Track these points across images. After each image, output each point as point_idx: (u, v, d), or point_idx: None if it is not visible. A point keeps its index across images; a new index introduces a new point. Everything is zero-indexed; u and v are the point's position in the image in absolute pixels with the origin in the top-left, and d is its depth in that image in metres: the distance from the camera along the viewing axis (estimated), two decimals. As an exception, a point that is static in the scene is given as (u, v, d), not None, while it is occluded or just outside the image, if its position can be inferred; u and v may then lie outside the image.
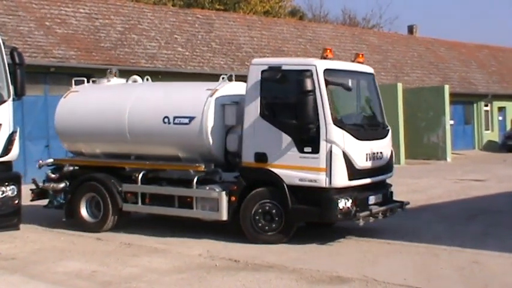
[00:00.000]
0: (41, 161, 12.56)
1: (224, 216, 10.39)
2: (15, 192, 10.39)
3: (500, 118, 38.37)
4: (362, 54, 11.46)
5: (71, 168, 12.08)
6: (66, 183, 11.90)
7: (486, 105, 37.51)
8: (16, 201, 10.42)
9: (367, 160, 10.26)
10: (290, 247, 9.90)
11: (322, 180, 9.78)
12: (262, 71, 10.28)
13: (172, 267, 8.69)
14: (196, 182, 10.63)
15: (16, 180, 10.48)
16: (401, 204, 11.07)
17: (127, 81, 12.84)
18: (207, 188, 10.61)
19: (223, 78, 11.20)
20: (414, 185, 18.28)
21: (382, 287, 7.55)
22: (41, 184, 12.22)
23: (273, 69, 10.22)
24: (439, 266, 8.61)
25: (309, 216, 10.20)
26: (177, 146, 11.02)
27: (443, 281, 7.82)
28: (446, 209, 13.86)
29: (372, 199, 10.44)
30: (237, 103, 10.66)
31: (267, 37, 29.99)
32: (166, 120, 10.97)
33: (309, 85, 9.81)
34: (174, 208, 10.88)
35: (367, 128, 10.85)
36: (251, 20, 30.87)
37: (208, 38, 26.90)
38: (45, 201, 12.27)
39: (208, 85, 11.19)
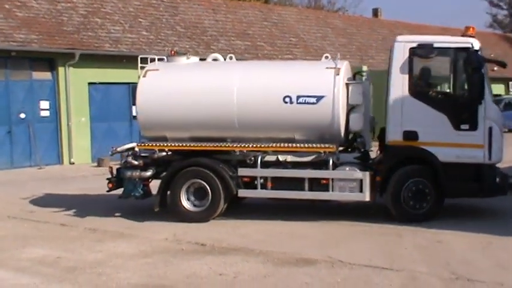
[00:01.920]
0: (113, 148, 11.46)
1: (368, 197, 10.26)
2: None
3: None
4: (473, 27, 10.89)
5: (163, 153, 11.03)
6: (153, 171, 10.98)
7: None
8: None
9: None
10: (256, 230, 9.94)
11: (481, 156, 9.98)
12: (411, 48, 10.26)
13: (138, 252, 8.65)
14: (330, 164, 10.32)
15: None
16: None
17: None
18: (347, 168, 10.36)
19: (326, 57, 10.96)
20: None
21: (347, 268, 7.62)
22: (126, 172, 10.96)
23: (424, 47, 10.22)
24: (403, 246, 8.73)
25: (466, 192, 10.32)
26: (297, 126, 10.52)
27: (407, 261, 7.93)
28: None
29: None
30: (361, 82, 10.74)
31: (232, 20, 29.83)
32: (287, 99, 10.41)
33: (471, 63, 9.98)
34: (304, 191, 10.41)
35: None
36: (216, 3, 30.62)
37: (172, 21, 26.64)
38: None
39: (322, 63, 10.86)
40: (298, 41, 31.82)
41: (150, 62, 11.50)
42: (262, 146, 10.63)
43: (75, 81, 21.07)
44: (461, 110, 10.12)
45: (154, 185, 11.01)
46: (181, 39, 25.67)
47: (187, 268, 7.75)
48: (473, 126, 10.03)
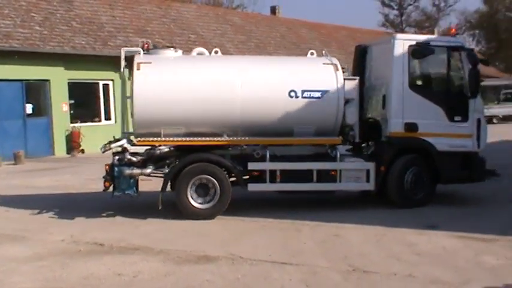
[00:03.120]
0: (106, 145, 10.78)
1: (373, 186, 10.91)
2: None
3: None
4: (454, 28, 12.72)
5: (166, 149, 10.64)
6: (153, 168, 10.58)
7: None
8: None
9: None
10: (157, 228, 9.82)
11: (471, 145, 11.17)
12: (410, 46, 11.04)
13: (32, 255, 8.32)
14: (338, 156, 10.85)
15: None
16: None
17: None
18: (354, 160, 11.06)
19: (312, 53, 11.57)
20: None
21: (248, 264, 7.66)
22: (125, 169, 10.41)
23: (422, 45, 11.08)
24: (302, 240, 8.88)
25: (459, 179, 11.39)
26: (301, 119, 10.74)
27: (306, 255, 8.07)
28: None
29: None
30: (355, 78, 11.24)
31: (130, 16, 29.34)
32: (292, 94, 10.66)
33: (470, 60, 11.08)
34: (312, 183, 10.72)
35: None
36: (113, -1, 30.03)
37: (68, 16, 25.87)
38: None
39: (318, 59, 11.42)
40: (197, 37, 31.72)
41: (126, 53, 10.97)
42: (269, 140, 10.77)
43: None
44: (455, 103, 11.19)
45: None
46: (77, 35, 25.00)
47: (84, 269, 7.54)
48: (465, 118, 11.17)
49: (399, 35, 11.71)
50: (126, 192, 10.53)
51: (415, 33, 67.43)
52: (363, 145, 11.75)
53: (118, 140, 10.94)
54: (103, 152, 11.00)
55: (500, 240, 8.50)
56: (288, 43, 38.08)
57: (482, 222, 9.87)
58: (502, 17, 63.13)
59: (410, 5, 74.94)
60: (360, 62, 11.82)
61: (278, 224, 9.98)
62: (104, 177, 10.72)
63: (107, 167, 10.60)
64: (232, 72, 10.91)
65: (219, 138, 10.59)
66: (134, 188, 10.57)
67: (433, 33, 61.31)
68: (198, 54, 11.64)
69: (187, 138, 10.57)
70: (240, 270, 7.38)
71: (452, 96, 11.25)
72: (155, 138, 10.55)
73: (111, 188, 10.62)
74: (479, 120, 11.24)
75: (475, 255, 7.81)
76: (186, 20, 32.76)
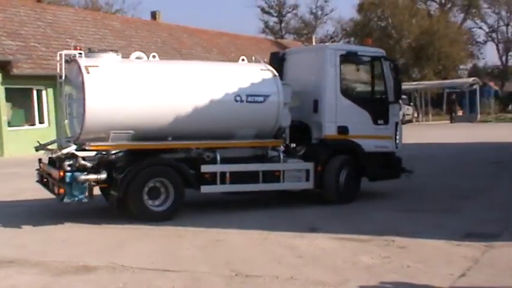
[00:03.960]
0: (57, 150, 10.50)
1: (312, 185, 11.67)
2: None
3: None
4: (370, 40, 14.98)
5: (119, 154, 10.90)
6: (107, 173, 10.31)
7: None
8: None
9: None
10: (34, 239, 9.42)
11: (391, 146, 12.46)
12: (341, 55, 11.98)
13: None
14: (281, 157, 11.52)
15: None
16: None
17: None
18: (295, 160, 11.71)
19: (243, 60, 12.07)
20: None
21: (129, 272, 7.52)
22: (79, 175, 10.03)
23: (351, 54, 12.13)
24: (184, 246, 8.83)
25: (382, 176, 12.60)
26: (243, 122, 11.25)
27: (189, 261, 8.03)
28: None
29: None
30: (289, 84, 11.85)
31: (2, 19, 28.10)
32: (238, 98, 11.11)
33: (384, 69, 12.37)
34: (258, 184, 11.23)
35: None
36: (-17, 0, 28.68)
37: None
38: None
39: (255, 65, 11.97)
40: (75, 42, 30.87)
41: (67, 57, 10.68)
42: (220, 143, 11.16)
43: None
44: (379, 108, 12.40)
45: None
46: None
47: (-46, 286, 7.12)
48: (386, 122, 12.44)
49: (331, 45, 12.90)
50: (78, 199, 10.17)
51: (294, 40, 69.21)
52: (292, 147, 12.31)
53: (45, 144, 11.04)
54: (49, 160, 11.05)
55: (375, 240, 8.84)
56: (170, 49, 37.89)
57: (359, 223, 10.24)
58: (375, 26, 65.86)
59: (289, 12, 76.73)
60: (277, 69, 12.10)
61: (160, 231, 9.87)
62: (55, 183, 10.41)
63: (61, 173, 10.11)
64: (183, 77, 11.25)
65: (173, 142, 10.80)
66: (87, 194, 10.21)
67: (311, 40, 63.17)
68: (136, 58, 11.50)
69: (140, 143, 10.65)
70: (121, 279, 7.22)
71: (377, 102, 12.51)
72: (109, 143, 10.45)
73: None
74: (397, 123, 12.65)
75: (353, 256, 8.07)
76: (62, 24, 31.81)
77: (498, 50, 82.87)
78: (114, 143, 10.47)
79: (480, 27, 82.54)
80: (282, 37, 71.47)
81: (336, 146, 11.98)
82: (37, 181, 11.75)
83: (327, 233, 9.37)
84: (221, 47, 43.42)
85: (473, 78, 52.21)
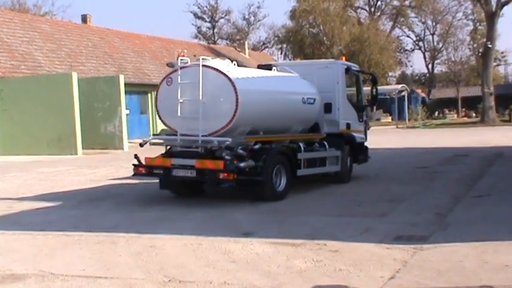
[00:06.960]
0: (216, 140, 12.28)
1: (340, 168, 15.29)
2: None
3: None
4: (345, 56, 20.28)
5: (259, 145, 12.88)
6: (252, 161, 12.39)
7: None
8: None
9: None
10: (-43, 248, 9.10)
11: (364, 138, 16.92)
12: (345, 69, 15.99)
13: None
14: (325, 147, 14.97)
15: None
16: None
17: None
18: (333, 149, 15.03)
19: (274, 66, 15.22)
20: (91, 175, 18.21)
21: (59, 280, 7.34)
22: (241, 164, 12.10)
23: (350, 68, 16.21)
24: (117, 253, 8.68)
25: (362, 161, 16.85)
26: (301, 119, 14.58)
27: (122, 268, 7.90)
28: (123, 197, 14.10)
29: None
30: None
31: None
32: (304, 100, 14.48)
33: (361, 80, 17.09)
34: (317, 167, 14.54)
35: None
36: None
37: None
38: None
39: (297, 75, 15.09)
40: (1, 45, 30.07)
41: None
42: (300, 135, 14.51)
43: None
44: (362, 110, 16.79)
45: None
46: None
47: None
48: (362, 120, 16.80)
49: (339, 61, 16.36)
50: (230, 184, 12.46)
51: (227, 45, 69.46)
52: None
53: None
54: (141, 146, 12.96)
55: (308, 244, 8.92)
56: (101, 53, 37.34)
57: (292, 227, 10.31)
58: (307, 32, 66.73)
59: (222, 18, 76.93)
60: None
61: (93, 237, 9.68)
62: (222, 170, 11.89)
63: (222, 163, 11.98)
64: (281, 85, 14.59)
65: (281, 135, 13.85)
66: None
67: (243, 46, 63.48)
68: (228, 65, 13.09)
69: (275, 135, 13.64)
70: (50, 287, 7.05)
71: (361, 105, 16.87)
72: (262, 136, 13.10)
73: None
74: (366, 121, 17.30)
75: (286, 260, 8.12)
76: (-12, 25, 30.91)
77: (425, 58, 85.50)
78: (257, 136, 12.99)
79: (408, 36, 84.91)
80: (214, 42, 71.55)
81: (347, 138, 15.77)
82: (134, 175, 13.26)
83: (261, 238, 9.38)
84: (153, 52, 43.11)
85: (401, 85, 53.59)
